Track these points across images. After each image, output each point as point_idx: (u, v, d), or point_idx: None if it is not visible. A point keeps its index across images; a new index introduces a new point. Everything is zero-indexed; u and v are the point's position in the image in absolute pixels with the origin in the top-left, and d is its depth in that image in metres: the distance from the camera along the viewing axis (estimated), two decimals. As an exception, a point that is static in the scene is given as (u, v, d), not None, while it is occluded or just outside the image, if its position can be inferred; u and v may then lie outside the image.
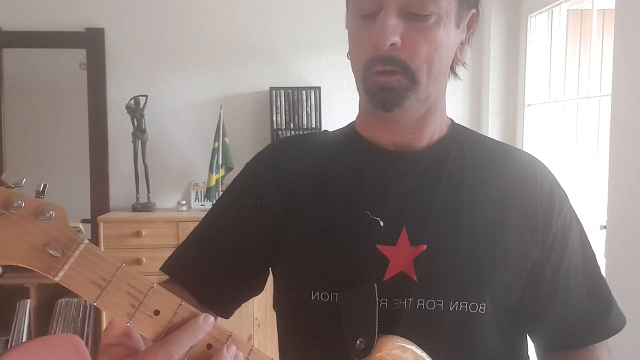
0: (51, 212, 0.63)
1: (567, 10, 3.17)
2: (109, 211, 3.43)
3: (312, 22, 3.53)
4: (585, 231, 0.99)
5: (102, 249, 2.97)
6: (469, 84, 3.60)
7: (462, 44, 0.93)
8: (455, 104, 3.54)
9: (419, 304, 0.86)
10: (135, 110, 3.36)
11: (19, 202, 0.61)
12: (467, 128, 1.01)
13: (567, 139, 3.07)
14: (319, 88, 3.47)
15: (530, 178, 0.95)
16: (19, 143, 3.45)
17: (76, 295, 3.12)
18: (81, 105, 3.43)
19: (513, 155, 0.99)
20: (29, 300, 3.10)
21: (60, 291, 3.21)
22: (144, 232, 3.13)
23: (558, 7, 3.14)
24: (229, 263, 0.95)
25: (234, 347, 0.68)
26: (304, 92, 3.45)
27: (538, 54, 3.34)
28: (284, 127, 3.44)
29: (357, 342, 0.81)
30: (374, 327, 0.81)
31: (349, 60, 0.92)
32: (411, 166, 0.93)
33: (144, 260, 3.07)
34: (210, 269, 0.95)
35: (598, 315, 0.95)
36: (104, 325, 3.11)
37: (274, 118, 3.43)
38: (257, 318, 3.16)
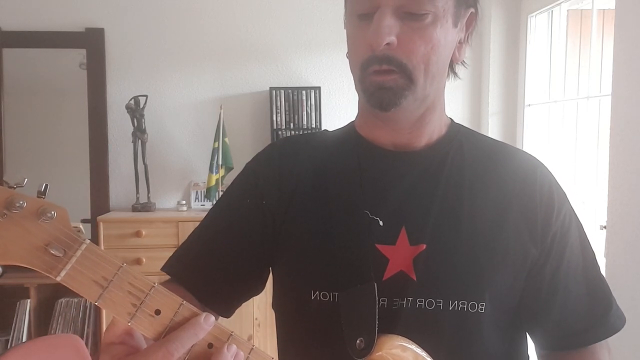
0: (53, 212, 0.63)
1: (567, 10, 3.18)
2: (109, 211, 3.43)
3: (312, 22, 3.53)
4: (585, 231, 0.99)
5: (102, 249, 2.97)
6: (469, 83, 3.60)
7: (460, 43, 0.93)
8: (455, 104, 3.54)
9: (418, 303, 0.87)
10: (135, 110, 3.36)
11: (21, 202, 0.61)
12: (467, 127, 1.02)
13: (567, 139, 3.07)
14: (319, 88, 3.48)
15: (529, 178, 0.95)
16: (19, 143, 3.45)
17: (76, 295, 3.13)
18: (81, 105, 3.43)
19: (513, 155, 0.99)
20: (29, 300, 3.10)
21: (60, 291, 3.21)
22: (144, 232, 3.13)
23: (558, 7, 3.14)
24: (230, 263, 0.95)
25: (234, 346, 0.68)
26: (304, 92, 3.45)
27: (538, 54, 3.34)
28: (284, 127, 3.44)
29: (357, 341, 0.81)
30: (373, 327, 0.81)
31: (348, 60, 0.92)
32: (411, 166, 0.93)
33: (144, 260, 3.07)
34: (211, 269, 0.95)
35: (598, 315, 0.95)
36: (104, 326, 3.12)
37: (274, 118, 3.44)
38: (257, 318, 3.16)
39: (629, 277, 2.17)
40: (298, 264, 0.93)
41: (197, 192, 3.54)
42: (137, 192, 3.41)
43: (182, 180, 3.57)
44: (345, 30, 0.93)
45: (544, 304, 0.94)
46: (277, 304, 1.00)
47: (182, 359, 0.65)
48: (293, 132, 3.41)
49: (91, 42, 3.43)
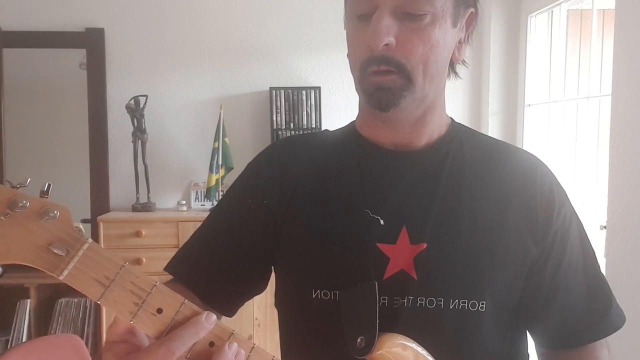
0: (55, 212, 0.63)
1: (567, 10, 3.18)
2: (109, 211, 3.43)
3: (312, 22, 3.53)
4: (585, 230, 0.99)
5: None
6: (469, 83, 3.61)
7: (460, 43, 0.93)
8: (455, 104, 3.54)
9: (419, 302, 0.87)
10: (135, 110, 3.36)
11: (24, 202, 0.62)
12: (467, 127, 1.02)
13: (567, 139, 3.07)
14: (319, 88, 3.48)
15: (530, 177, 0.95)
16: (19, 143, 3.45)
17: (76, 296, 3.14)
18: (81, 105, 3.43)
19: (513, 154, 1.00)
20: (29, 300, 3.10)
21: (60, 291, 3.21)
22: (144, 232, 3.13)
23: (558, 7, 3.14)
24: (232, 263, 0.96)
25: (235, 345, 0.69)
26: (304, 92, 3.45)
27: (538, 54, 3.34)
28: (284, 127, 3.44)
29: (358, 340, 0.81)
30: (374, 325, 0.81)
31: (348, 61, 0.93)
32: (411, 165, 0.94)
33: (144, 260, 3.07)
34: (213, 269, 0.95)
35: (598, 314, 0.95)
36: (104, 326, 3.12)
37: (274, 118, 3.44)
38: (257, 318, 3.16)
39: (629, 277, 2.17)
40: (299, 263, 0.94)
41: (197, 192, 3.54)
42: (137, 192, 3.41)
43: (182, 180, 3.57)
44: (345, 31, 0.93)
45: (544, 302, 0.94)
46: (279, 303, 1.01)
47: (184, 357, 0.65)
48: (293, 132, 3.42)
49: (91, 42, 3.43)
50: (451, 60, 0.93)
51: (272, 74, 3.55)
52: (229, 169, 3.36)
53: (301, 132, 3.38)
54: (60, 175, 3.45)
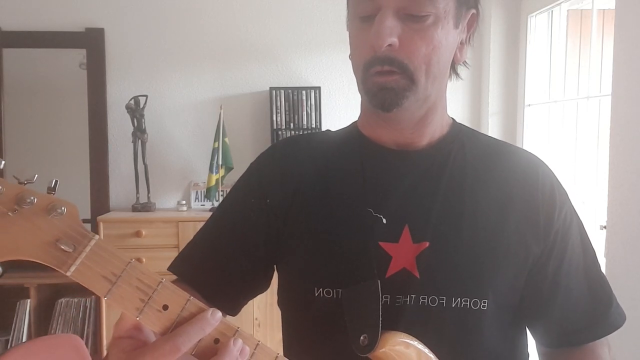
0: (63, 208, 0.64)
1: (567, 10, 3.18)
2: (109, 211, 3.43)
3: (312, 22, 3.53)
4: (586, 229, 1.00)
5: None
6: (469, 84, 3.61)
7: (462, 43, 0.94)
8: (455, 104, 3.54)
9: (421, 300, 0.87)
10: (135, 110, 3.36)
11: (32, 198, 0.62)
12: (468, 127, 1.02)
13: (567, 139, 3.07)
14: (319, 88, 3.48)
15: (531, 176, 0.96)
16: (19, 143, 3.45)
17: (76, 295, 3.14)
18: (81, 105, 3.43)
19: (514, 153, 1.00)
20: (29, 300, 3.10)
21: (60, 291, 3.20)
22: (144, 232, 3.13)
23: (558, 7, 3.14)
24: (235, 262, 0.96)
25: (240, 341, 0.69)
26: (304, 92, 3.45)
27: (538, 54, 3.34)
28: (284, 127, 3.45)
29: (361, 337, 0.82)
30: (377, 323, 0.82)
31: (350, 61, 0.93)
32: (413, 165, 0.94)
33: (144, 260, 3.06)
34: (217, 268, 0.96)
35: (598, 312, 0.96)
36: (104, 326, 3.12)
37: (274, 118, 3.44)
38: (257, 318, 3.16)
39: (629, 277, 2.17)
40: (302, 261, 0.94)
41: (197, 192, 3.54)
42: (137, 192, 3.41)
43: (182, 180, 3.57)
44: (347, 32, 0.94)
45: (545, 301, 0.94)
46: (282, 302, 1.01)
47: (189, 353, 0.66)
48: (293, 132, 3.42)
49: (91, 42, 3.43)
50: (453, 61, 0.94)
51: (272, 74, 3.55)
52: (229, 169, 3.36)
53: (301, 132, 3.39)
54: (60, 175, 3.34)
